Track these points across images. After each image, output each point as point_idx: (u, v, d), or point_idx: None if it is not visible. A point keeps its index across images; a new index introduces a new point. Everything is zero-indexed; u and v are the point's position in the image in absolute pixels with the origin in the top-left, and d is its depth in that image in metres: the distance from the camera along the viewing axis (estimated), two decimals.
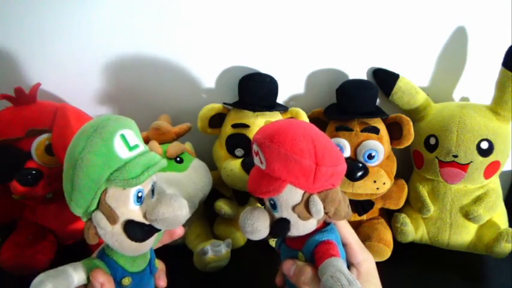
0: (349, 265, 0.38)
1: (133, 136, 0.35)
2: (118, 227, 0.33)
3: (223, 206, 0.57)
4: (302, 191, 0.36)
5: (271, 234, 0.38)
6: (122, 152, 0.33)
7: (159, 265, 0.41)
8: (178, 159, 0.53)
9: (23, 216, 0.57)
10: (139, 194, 0.34)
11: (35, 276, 0.31)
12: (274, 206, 0.37)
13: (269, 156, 0.35)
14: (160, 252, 0.58)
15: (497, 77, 0.54)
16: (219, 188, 0.59)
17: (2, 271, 0.51)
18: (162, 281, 0.40)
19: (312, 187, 0.35)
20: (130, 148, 0.34)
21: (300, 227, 0.37)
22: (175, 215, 0.35)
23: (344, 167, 0.37)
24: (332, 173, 0.36)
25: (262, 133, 0.37)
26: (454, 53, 0.61)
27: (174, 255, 0.58)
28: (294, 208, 0.36)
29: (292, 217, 0.36)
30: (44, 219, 0.56)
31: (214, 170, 0.58)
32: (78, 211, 0.33)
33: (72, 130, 0.53)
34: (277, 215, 0.37)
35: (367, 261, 0.38)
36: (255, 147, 0.37)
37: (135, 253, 0.36)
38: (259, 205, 0.60)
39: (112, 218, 0.33)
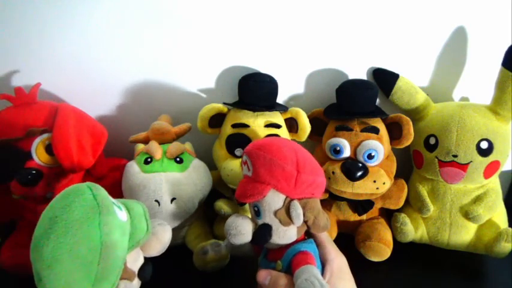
0: (323, 263, 0.40)
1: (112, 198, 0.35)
2: (136, 280, 0.36)
3: (223, 206, 0.57)
4: (284, 196, 0.39)
5: (254, 240, 0.40)
6: (122, 216, 0.33)
7: None
8: (178, 159, 0.53)
9: (23, 216, 0.57)
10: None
11: None
12: (258, 213, 0.40)
13: (255, 163, 0.39)
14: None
15: (497, 77, 0.54)
16: (219, 188, 0.59)
17: (2, 271, 0.51)
18: None
19: (293, 192, 0.38)
20: (121, 208, 0.34)
21: (281, 233, 0.39)
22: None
23: (324, 180, 0.41)
24: (312, 181, 0.39)
25: (251, 145, 0.41)
26: (454, 53, 0.61)
27: (174, 255, 0.58)
28: (276, 213, 0.39)
29: (274, 222, 0.39)
30: None
31: (214, 170, 0.58)
32: None
33: (72, 130, 0.53)
34: (260, 221, 0.40)
35: (339, 258, 0.40)
36: (244, 158, 0.41)
37: None
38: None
39: (131, 277, 0.35)
